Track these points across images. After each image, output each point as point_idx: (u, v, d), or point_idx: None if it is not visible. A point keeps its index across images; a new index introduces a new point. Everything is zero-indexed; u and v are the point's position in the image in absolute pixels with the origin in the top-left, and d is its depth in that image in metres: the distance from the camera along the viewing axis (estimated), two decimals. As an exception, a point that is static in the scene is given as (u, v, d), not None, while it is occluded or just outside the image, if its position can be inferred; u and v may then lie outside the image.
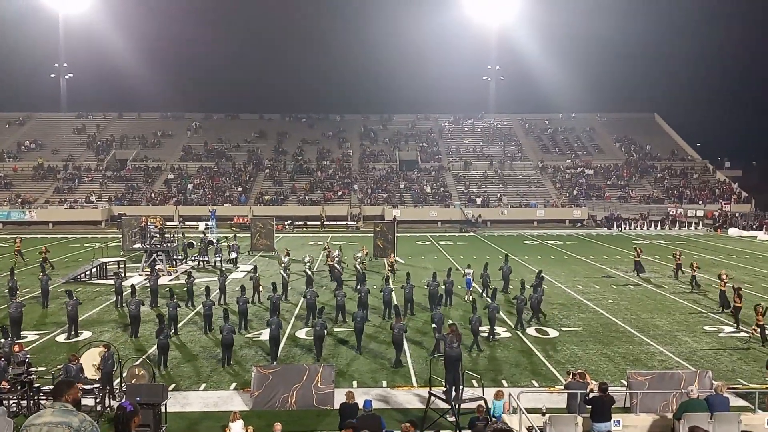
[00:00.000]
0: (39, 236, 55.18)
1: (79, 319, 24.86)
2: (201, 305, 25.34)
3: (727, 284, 26.69)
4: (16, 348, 17.96)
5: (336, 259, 33.62)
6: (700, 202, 69.15)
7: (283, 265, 31.26)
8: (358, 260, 33.22)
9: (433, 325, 21.77)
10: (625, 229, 62.29)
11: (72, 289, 25.76)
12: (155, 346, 20.40)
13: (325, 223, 63.53)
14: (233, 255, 38.81)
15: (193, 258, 39.29)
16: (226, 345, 19.86)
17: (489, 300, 24.92)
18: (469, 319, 21.98)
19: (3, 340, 18.73)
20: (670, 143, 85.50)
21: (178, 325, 24.05)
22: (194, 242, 40.66)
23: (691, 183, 75.41)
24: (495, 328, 22.95)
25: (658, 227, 63.31)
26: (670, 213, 65.88)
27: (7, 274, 29.70)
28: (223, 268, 33.88)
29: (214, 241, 41.33)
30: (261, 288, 28.46)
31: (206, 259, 38.50)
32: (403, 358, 20.36)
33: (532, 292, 26.02)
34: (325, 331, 20.79)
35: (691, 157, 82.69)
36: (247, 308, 24.52)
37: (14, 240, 43.40)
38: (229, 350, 19.93)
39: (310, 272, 30.63)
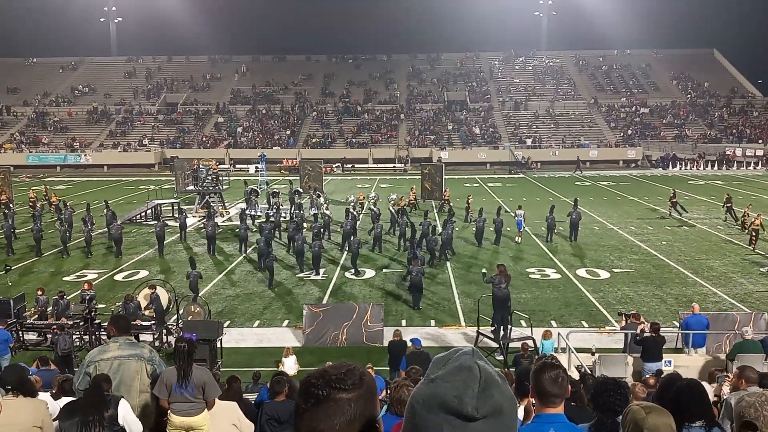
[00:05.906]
0: (95, 179, 56.73)
1: (136, 259, 26.01)
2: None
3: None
4: (86, 286, 18.87)
5: (392, 202, 33.87)
6: (761, 141, 66.61)
7: (324, 205, 33.11)
8: (392, 202, 33.54)
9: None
10: (681, 169, 60.58)
11: (130, 230, 27.07)
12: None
13: (364, 165, 63.58)
14: (314, 210, 34.08)
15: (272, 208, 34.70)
16: (269, 270, 22.76)
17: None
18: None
19: (191, 269, 20.34)
20: (729, 80, 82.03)
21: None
22: (277, 192, 38.31)
23: (751, 121, 72.55)
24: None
25: (715, 167, 61.40)
26: (728, 153, 63.67)
27: (83, 210, 31.10)
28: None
29: (300, 190, 40.94)
30: (305, 226, 28.94)
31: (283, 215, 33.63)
32: (451, 296, 20.52)
33: (440, 230, 26.41)
34: (321, 251, 24.14)
35: (752, 94, 79.22)
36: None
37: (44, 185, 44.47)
38: (271, 275, 22.63)
39: (354, 212, 31.01)
